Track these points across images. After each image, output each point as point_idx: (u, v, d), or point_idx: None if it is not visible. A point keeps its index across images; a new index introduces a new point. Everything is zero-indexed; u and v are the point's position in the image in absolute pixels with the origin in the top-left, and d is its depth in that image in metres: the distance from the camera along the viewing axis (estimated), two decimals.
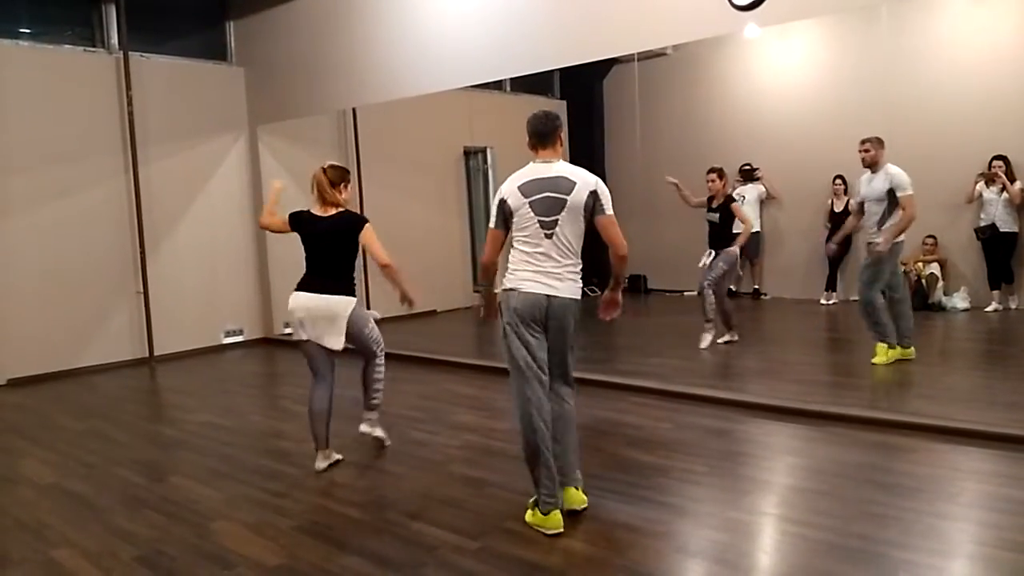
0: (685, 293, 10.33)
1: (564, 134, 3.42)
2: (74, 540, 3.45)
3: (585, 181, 3.27)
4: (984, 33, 8.19)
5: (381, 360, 4.38)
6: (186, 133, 7.96)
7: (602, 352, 7.01)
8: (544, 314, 3.31)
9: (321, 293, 4.13)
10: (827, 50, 9.30)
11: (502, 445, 4.50)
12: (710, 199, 6.92)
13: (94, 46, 7.48)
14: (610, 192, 3.33)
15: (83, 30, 7.47)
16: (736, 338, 6.97)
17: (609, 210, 3.27)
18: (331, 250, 4.15)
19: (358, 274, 4.25)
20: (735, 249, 6.76)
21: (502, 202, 3.34)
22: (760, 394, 5.38)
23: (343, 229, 4.14)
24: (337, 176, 4.19)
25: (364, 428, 4.41)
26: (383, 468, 4.20)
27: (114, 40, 7.51)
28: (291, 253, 8.58)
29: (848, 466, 3.93)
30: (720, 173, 6.89)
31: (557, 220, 3.25)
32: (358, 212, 4.30)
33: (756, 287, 9.94)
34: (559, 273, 3.29)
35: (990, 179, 7.98)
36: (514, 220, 3.32)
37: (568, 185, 3.25)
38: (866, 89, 8.61)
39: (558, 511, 3.27)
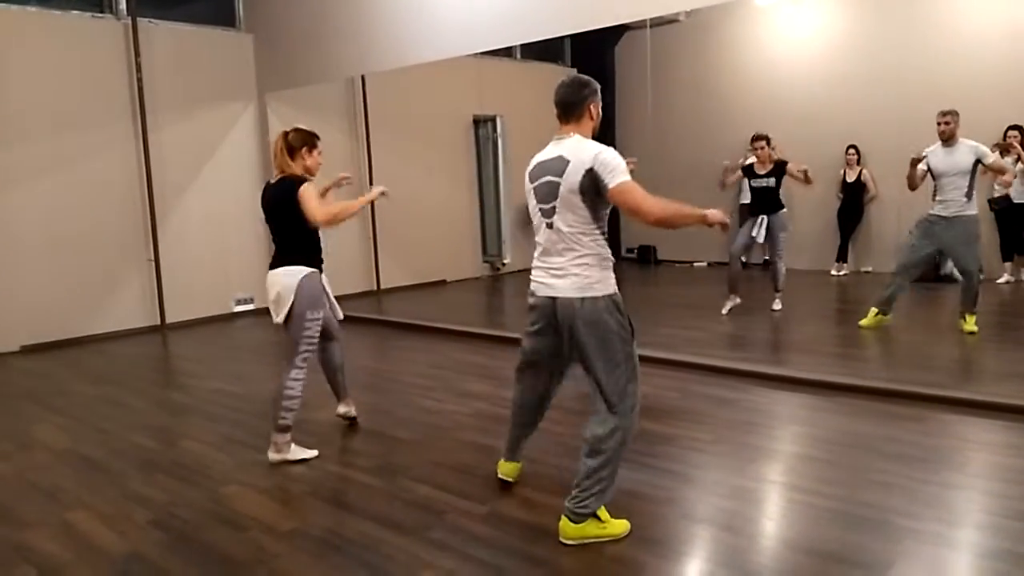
0: (695, 264, 10.31)
1: (597, 106, 2.95)
2: (89, 503, 3.50)
3: (580, 159, 2.79)
4: (999, 2, 8.04)
5: (298, 374, 3.86)
6: (195, 100, 7.94)
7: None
8: (554, 319, 2.95)
9: (273, 267, 3.89)
10: (841, 17, 9.16)
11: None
12: (750, 167, 6.87)
13: (102, 12, 7.43)
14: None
15: None
16: (738, 301, 7.05)
17: (618, 178, 2.74)
18: (276, 220, 3.86)
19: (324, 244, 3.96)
20: (785, 211, 6.88)
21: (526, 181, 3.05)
22: (768, 364, 5.39)
23: (281, 197, 3.79)
24: (297, 140, 3.84)
25: (272, 456, 3.86)
26: (393, 435, 4.24)
27: (122, 6, 7.46)
28: None
29: (855, 436, 3.94)
30: (768, 140, 6.84)
31: (554, 207, 2.86)
32: (297, 175, 3.83)
33: (767, 257, 9.89)
34: (560, 268, 2.89)
35: (1005, 149, 7.87)
36: (529, 205, 3.04)
37: (561, 166, 2.83)
38: (879, 58, 8.50)
39: (504, 462, 3.40)
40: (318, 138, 3.95)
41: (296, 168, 3.86)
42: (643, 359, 5.35)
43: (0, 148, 6.72)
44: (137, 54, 7.43)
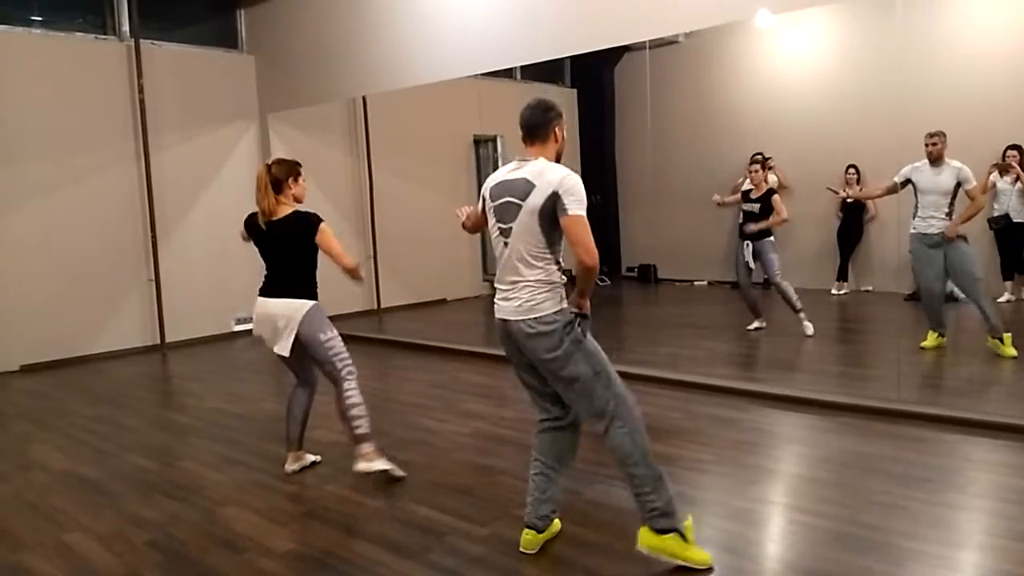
0: (695, 283, 10.30)
1: (562, 129, 2.93)
2: (86, 524, 3.48)
3: (548, 181, 2.73)
4: (999, 22, 8.10)
5: (350, 385, 3.87)
6: (197, 121, 7.98)
7: (612, 341, 6.99)
8: (508, 340, 2.94)
9: (269, 296, 3.89)
10: (840, 38, 9.22)
11: (511, 433, 4.51)
12: (747, 191, 6.90)
13: (105, 34, 7.49)
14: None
15: (94, 18, 7.49)
16: (764, 325, 7.04)
17: (574, 209, 2.69)
18: (284, 253, 3.87)
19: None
20: (771, 239, 6.87)
21: (483, 198, 3.03)
22: (770, 384, 5.37)
23: (295, 231, 3.81)
24: (282, 172, 3.83)
25: (360, 466, 3.80)
26: (392, 455, 4.20)
27: (125, 28, 7.52)
28: None
29: (857, 456, 3.92)
30: (763, 164, 6.87)
31: (511, 228, 2.83)
32: (310, 212, 3.89)
33: (766, 277, 9.90)
34: (510, 287, 2.89)
35: (1004, 169, 7.90)
36: (488, 222, 3.00)
37: (526, 188, 2.77)
38: (879, 78, 8.53)
39: (529, 531, 3.01)
40: (300, 165, 3.93)
41: (286, 201, 3.85)
42: (645, 378, 5.40)
43: (2, 167, 6.75)
44: (140, 75, 7.48)
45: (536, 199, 2.75)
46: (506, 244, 2.89)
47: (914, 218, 5.89)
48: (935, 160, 5.72)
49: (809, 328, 6.76)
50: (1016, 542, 2.93)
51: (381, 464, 3.82)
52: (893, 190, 5.98)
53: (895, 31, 8.46)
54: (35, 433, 5.03)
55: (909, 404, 4.61)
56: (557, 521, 3.09)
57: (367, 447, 3.82)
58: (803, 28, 9.38)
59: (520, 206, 2.80)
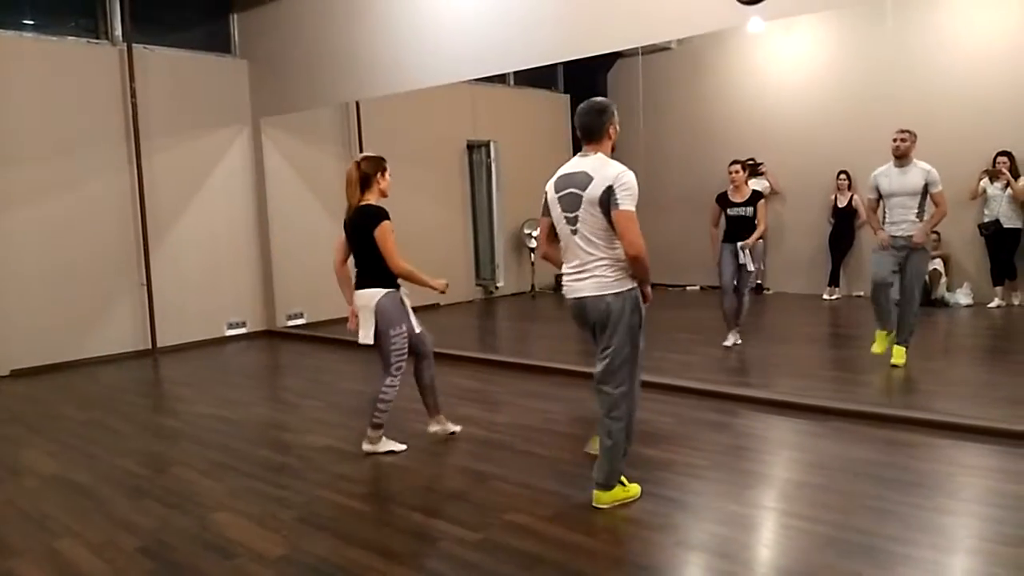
0: (687, 288, 10.33)
1: (615, 126, 3.31)
2: (76, 530, 3.46)
3: (604, 176, 3.16)
4: (989, 29, 8.16)
5: (394, 381, 4.22)
6: (189, 125, 7.97)
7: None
8: (584, 317, 3.33)
9: (357, 288, 4.18)
10: (831, 45, 9.28)
11: (504, 438, 4.51)
12: (724, 196, 6.68)
13: (98, 38, 7.48)
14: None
15: (87, 22, 7.47)
16: (739, 341, 6.79)
17: (625, 204, 3.13)
18: (357, 244, 4.14)
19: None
20: (761, 243, 6.72)
21: (545, 193, 3.38)
22: (762, 389, 5.38)
23: (362, 224, 4.07)
24: (371, 167, 4.09)
25: (366, 447, 4.26)
26: (385, 460, 4.21)
27: (118, 32, 7.51)
28: (294, 246, 8.62)
29: (849, 461, 3.93)
30: (744, 165, 6.73)
31: (577, 216, 3.22)
32: (379, 206, 4.12)
33: (759, 282, 9.93)
34: (581, 270, 3.28)
35: (994, 175, 7.96)
36: (552, 215, 3.36)
37: (585, 180, 3.19)
38: (870, 85, 8.60)
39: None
40: (385, 160, 4.18)
41: (371, 195, 4.09)
42: None
43: None
44: (132, 80, 7.47)
45: (595, 191, 3.16)
46: (573, 231, 3.26)
47: (883, 224, 5.63)
48: (901, 157, 5.45)
49: (731, 340, 6.66)
50: (1006, 546, 2.94)
51: (383, 447, 4.23)
52: (875, 205, 5.70)
53: (885, 38, 8.54)
54: (25, 438, 5.00)
55: (900, 409, 4.63)
56: None
57: (376, 434, 4.24)
58: (794, 35, 9.44)
59: (581, 196, 3.20)
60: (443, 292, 4.29)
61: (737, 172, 6.60)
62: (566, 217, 3.26)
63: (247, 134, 8.44)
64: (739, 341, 6.70)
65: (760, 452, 4.24)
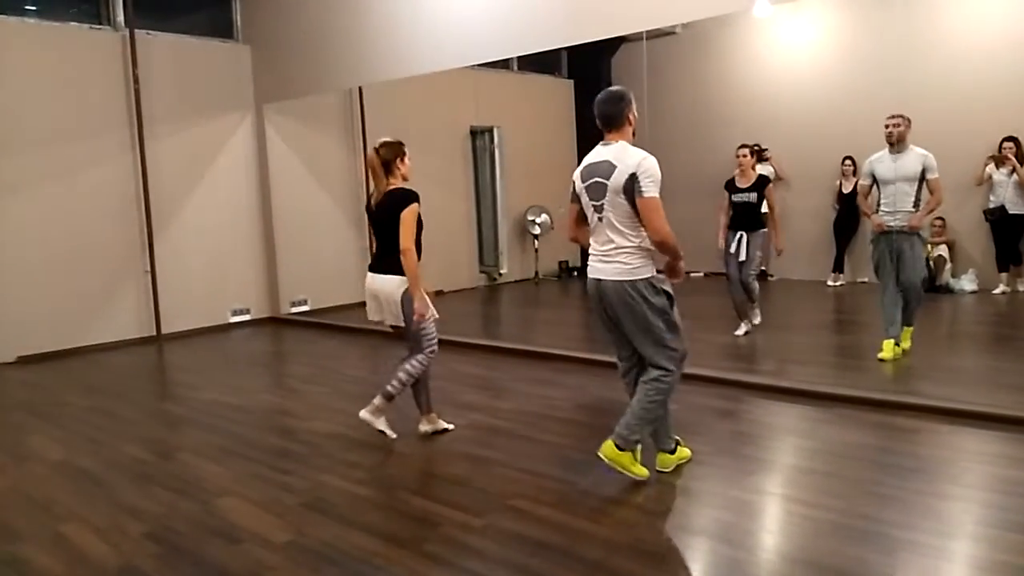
0: (691, 274, 10.32)
1: (633, 113, 3.39)
2: (83, 515, 3.48)
3: (627, 164, 3.23)
4: (996, 14, 8.10)
5: (422, 359, 4.18)
6: (192, 111, 7.95)
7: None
8: (600, 299, 3.43)
9: (372, 269, 4.18)
10: (837, 30, 9.22)
11: (507, 424, 4.52)
12: (731, 181, 6.60)
13: (100, 23, 7.45)
14: None
15: (89, 7, 7.44)
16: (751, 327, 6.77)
17: (648, 191, 3.20)
18: (383, 226, 4.11)
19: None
20: (765, 231, 6.60)
21: (573, 182, 3.46)
22: (766, 376, 5.38)
23: (393, 206, 4.05)
24: (390, 153, 4.09)
25: (363, 414, 4.19)
26: (389, 446, 4.22)
27: (120, 17, 7.48)
28: (298, 233, 8.62)
29: (852, 447, 3.94)
30: (752, 149, 6.63)
31: (603, 204, 3.31)
32: (409, 189, 4.11)
33: (763, 268, 9.90)
34: (605, 254, 3.36)
35: (1000, 161, 7.92)
36: (582, 203, 3.44)
37: (609, 169, 3.26)
38: (876, 70, 8.54)
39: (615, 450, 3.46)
40: (404, 144, 4.16)
41: (396, 179, 4.10)
42: None
43: None
44: (135, 65, 7.45)
45: (619, 178, 3.23)
46: (600, 219, 3.35)
47: (877, 211, 5.46)
48: (895, 143, 5.29)
49: (742, 329, 6.62)
50: (1009, 532, 2.94)
51: (380, 424, 4.18)
52: (868, 191, 5.57)
53: (893, 22, 8.48)
54: (31, 424, 5.02)
55: (904, 395, 4.63)
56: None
57: (383, 403, 4.17)
58: (801, 19, 9.37)
59: (606, 185, 3.27)
60: (422, 316, 4.11)
61: (745, 156, 6.51)
62: (593, 205, 3.36)
63: (250, 120, 8.42)
64: (756, 322, 6.70)
65: (764, 439, 4.24)
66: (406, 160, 4.14)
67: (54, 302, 7.05)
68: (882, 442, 3.98)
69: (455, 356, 6.40)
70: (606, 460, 3.43)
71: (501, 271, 10.56)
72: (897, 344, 5.53)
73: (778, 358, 6.13)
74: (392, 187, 4.10)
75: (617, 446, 3.41)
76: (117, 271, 7.50)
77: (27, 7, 7.07)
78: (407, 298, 4.06)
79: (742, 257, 6.52)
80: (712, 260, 9.97)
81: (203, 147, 8.07)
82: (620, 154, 3.28)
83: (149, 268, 7.64)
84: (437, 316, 4.22)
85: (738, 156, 6.54)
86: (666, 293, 3.41)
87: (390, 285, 4.10)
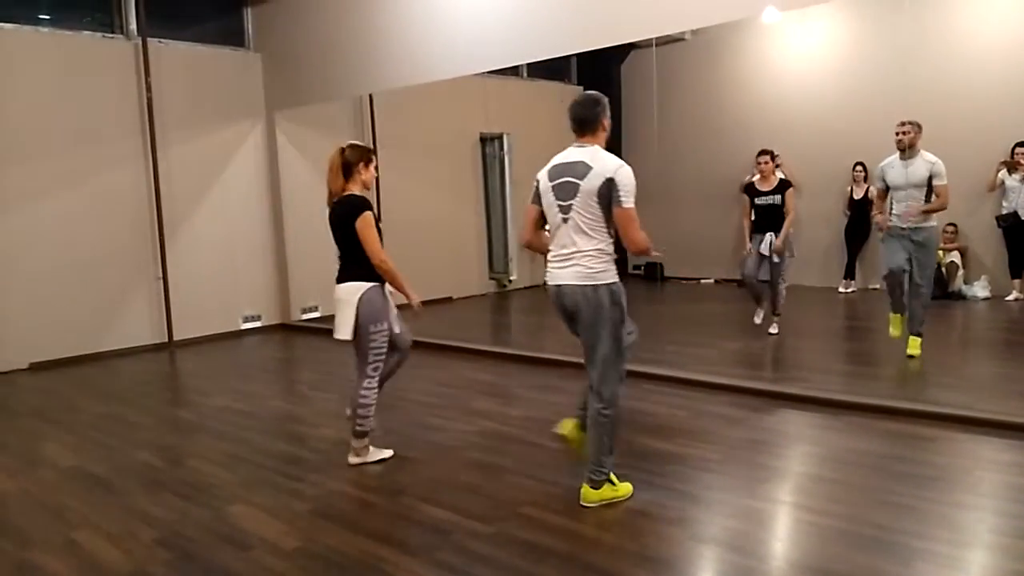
0: (702, 280, 10.29)
1: (607, 119, 3.32)
2: (95, 522, 3.50)
3: (604, 167, 3.15)
4: (1007, 19, 8.06)
5: (370, 384, 3.99)
6: (204, 119, 8.00)
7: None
8: (562, 305, 3.34)
9: (338, 282, 3.97)
10: (847, 36, 9.20)
11: (517, 431, 4.52)
12: (751, 185, 6.78)
13: (113, 32, 7.51)
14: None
15: (102, 16, 7.51)
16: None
17: (626, 201, 3.13)
18: (339, 236, 3.94)
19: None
20: (788, 233, 6.69)
21: (537, 181, 3.38)
22: (777, 382, 5.36)
23: (344, 215, 3.88)
24: (355, 156, 3.91)
25: (352, 460, 4.05)
26: (399, 453, 4.22)
27: (133, 26, 7.54)
28: (309, 239, 8.65)
29: (865, 455, 3.91)
30: (773, 155, 6.74)
31: (572, 205, 3.21)
32: (360, 196, 3.94)
33: (772, 276, 9.88)
34: (565, 258, 3.27)
35: (1012, 166, 7.88)
36: (544, 203, 3.34)
37: (583, 170, 3.18)
38: (886, 75, 8.51)
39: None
40: (373, 151, 4.04)
41: (354, 185, 3.93)
42: (651, 377, 5.40)
43: (10, 165, 6.78)
44: (147, 74, 7.50)
45: (594, 181, 3.16)
46: (565, 219, 3.26)
47: (891, 215, 5.57)
48: (905, 150, 5.38)
49: (775, 328, 6.80)
50: (1023, 541, 2.92)
51: (371, 456, 4.07)
52: (884, 195, 5.64)
53: (902, 27, 8.45)
54: (44, 430, 5.05)
55: (917, 403, 4.60)
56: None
57: (361, 443, 4.05)
58: (810, 25, 9.35)
59: (578, 185, 3.19)
60: (416, 308, 4.03)
61: (767, 163, 6.68)
62: (559, 205, 3.25)
63: (261, 127, 8.46)
64: (773, 332, 6.79)
65: (775, 446, 4.22)
66: (371, 168, 3.97)
67: (66, 309, 7.09)
68: (895, 450, 3.95)
69: (465, 363, 6.40)
70: (591, 504, 3.34)
71: (511, 278, 10.56)
72: (903, 317, 5.69)
73: (789, 365, 6.11)
74: (347, 192, 3.92)
75: (592, 487, 3.35)
76: (129, 278, 7.54)
77: (41, 16, 7.14)
78: (365, 300, 3.86)
79: (765, 252, 6.65)
80: (723, 267, 9.97)
81: (215, 154, 8.11)
82: (596, 157, 3.20)
83: (161, 275, 7.68)
84: (422, 304, 4.07)
85: (759, 163, 6.70)
86: (621, 308, 3.27)
87: (350, 290, 3.89)
